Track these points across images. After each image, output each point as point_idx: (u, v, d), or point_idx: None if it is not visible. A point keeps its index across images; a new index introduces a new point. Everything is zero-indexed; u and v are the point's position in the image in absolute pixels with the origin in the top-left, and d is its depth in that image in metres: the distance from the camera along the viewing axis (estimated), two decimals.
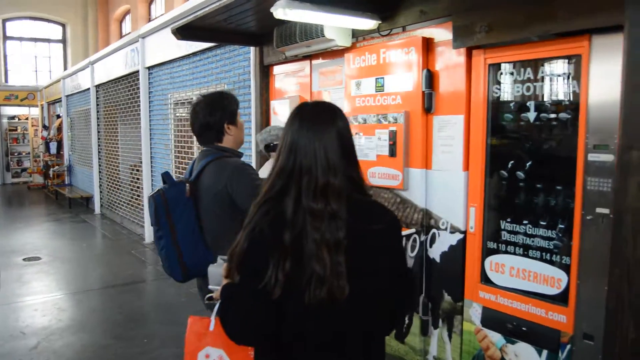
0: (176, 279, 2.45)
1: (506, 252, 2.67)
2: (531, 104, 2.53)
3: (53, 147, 14.37)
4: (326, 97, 3.83)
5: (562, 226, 2.44)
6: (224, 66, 5.53)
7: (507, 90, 2.64)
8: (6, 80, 19.17)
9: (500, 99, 2.68)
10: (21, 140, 17.61)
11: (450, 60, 2.88)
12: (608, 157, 2.22)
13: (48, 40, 20.32)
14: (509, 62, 2.60)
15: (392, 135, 3.13)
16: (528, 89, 2.53)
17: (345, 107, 3.50)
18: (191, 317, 1.79)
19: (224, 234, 2.20)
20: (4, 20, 19.24)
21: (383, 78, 3.22)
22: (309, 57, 3.97)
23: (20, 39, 19.74)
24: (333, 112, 1.48)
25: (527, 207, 2.61)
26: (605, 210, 2.24)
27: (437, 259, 3.04)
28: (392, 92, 3.17)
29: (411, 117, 3.06)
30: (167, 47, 6.64)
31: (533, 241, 2.55)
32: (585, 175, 2.30)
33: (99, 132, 10.55)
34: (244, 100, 4.87)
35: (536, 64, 2.49)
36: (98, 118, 10.50)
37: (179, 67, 6.64)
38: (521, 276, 2.60)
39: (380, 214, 1.47)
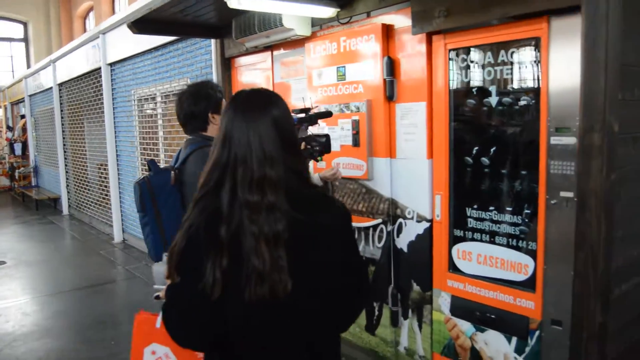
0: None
1: (473, 239, 2.64)
2: (493, 89, 2.48)
3: (18, 148, 13.98)
4: (289, 88, 3.74)
5: (528, 211, 2.41)
6: (186, 60, 5.39)
7: (468, 75, 2.59)
8: None
9: (462, 85, 2.63)
10: None
11: (411, 47, 2.82)
12: (570, 140, 2.19)
13: (10, 40, 19.74)
14: (469, 47, 2.55)
15: (355, 125, 3.06)
16: (489, 73, 2.49)
17: (309, 98, 3.42)
18: (140, 313, 1.71)
19: None
20: None
21: (344, 67, 3.15)
22: (269, 48, 3.88)
23: None
24: (268, 99, 1.40)
25: (492, 193, 2.57)
26: (570, 194, 2.22)
27: (405, 249, 2.99)
28: (353, 80, 3.10)
29: (373, 105, 3.00)
30: (128, 42, 6.44)
31: (499, 227, 2.52)
32: (549, 159, 2.27)
33: (63, 131, 10.26)
34: None
35: (496, 48, 2.45)
36: (62, 117, 10.20)
37: (141, 63, 6.46)
38: (488, 263, 2.57)
39: (326, 206, 1.39)
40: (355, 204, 3.23)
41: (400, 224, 2.99)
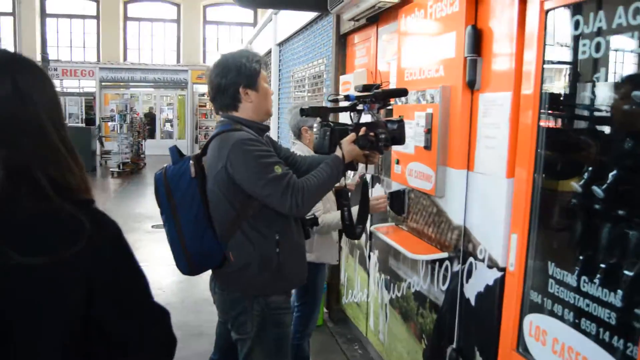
0: (182, 272, 2.07)
1: (552, 313, 1.68)
2: (601, 74, 1.50)
3: None
4: (388, 70, 3.02)
5: (634, 291, 1.40)
6: (323, 39, 4.94)
7: (573, 51, 1.62)
8: (204, 61, 21.12)
9: (563, 67, 1.67)
10: (209, 116, 19.22)
11: (501, 10, 1.91)
12: None
13: (241, 24, 21.79)
14: (573, 5, 1.58)
15: (428, 120, 2.25)
16: (598, 47, 1.50)
17: (395, 83, 2.69)
18: None
19: (223, 223, 1.96)
20: (204, 7, 21.12)
21: (429, 41, 2.34)
22: (375, 21, 3.19)
23: (218, 23, 21.51)
24: None
25: (592, 246, 1.59)
26: None
27: (472, 301, 2.11)
28: (435, 60, 2.28)
29: (451, 95, 2.15)
30: (291, 21, 6.28)
31: (589, 305, 1.53)
32: None
33: None
34: None
35: (612, 7, 1.45)
36: None
37: (296, 43, 6.23)
38: (566, 357, 1.59)
39: (59, 236, 0.88)
40: (425, 227, 2.42)
41: (471, 264, 2.11)
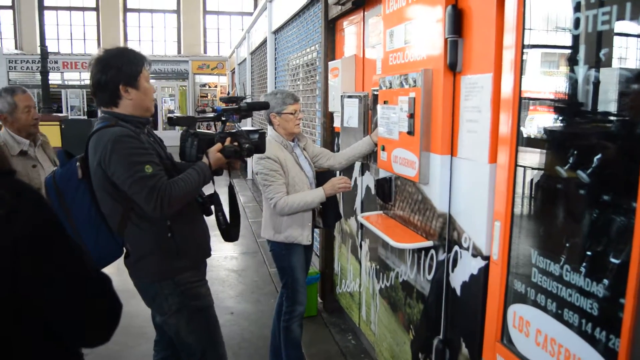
0: None
1: (535, 303, 1.61)
2: (581, 54, 1.41)
3: None
4: (375, 56, 2.94)
5: (615, 279, 1.33)
6: (315, 26, 4.84)
7: (551, 27, 1.54)
8: (205, 52, 21.00)
9: (544, 47, 1.59)
10: (211, 106, 19.18)
11: None
12: None
13: (242, 14, 21.61)
14: None
15: (412, 105, 2.17)
16: (577, 23, 1.41)
17: (380, 68, 2.61)
18: None
19: (114, 217, 2.03)
20: None
21: (411, 23, 2.26)
22: (362, 5, 3.10)
23: (218, 13, 21.34)
24: None
25: (575, 234, 1.52)
26: None
27: (458, 291, 2.05)
28: (417, 42, 2.20)
29: (433, 78, 2.07)
30: (285, 8, 6.17)
31: (571, 295, 1.46)
32: None
33: (252, 99, 10.68)
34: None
35: None
36: (252, 86, 10.62)
37: (291, 30, 6.14)
38: (549, 350, 1.53)
39: None
40: (412, 214, 2.35)
41: (456, 253, 2.05)
